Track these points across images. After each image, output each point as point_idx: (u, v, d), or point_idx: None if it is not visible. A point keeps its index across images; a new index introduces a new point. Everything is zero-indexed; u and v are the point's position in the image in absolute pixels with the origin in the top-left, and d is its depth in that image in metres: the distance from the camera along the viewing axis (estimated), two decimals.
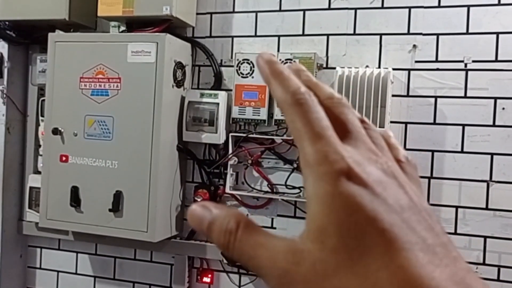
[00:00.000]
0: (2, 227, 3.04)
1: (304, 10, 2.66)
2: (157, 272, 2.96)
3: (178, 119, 2.68)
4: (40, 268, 3.22)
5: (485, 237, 2.43)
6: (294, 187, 2.63)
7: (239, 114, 2.62)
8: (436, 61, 2.48)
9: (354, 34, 2.59)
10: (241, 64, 2.62)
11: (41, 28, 2.88)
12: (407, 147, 2.50)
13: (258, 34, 2.73)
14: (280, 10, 2.69)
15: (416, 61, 2.50)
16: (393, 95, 2.46)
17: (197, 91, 2.71)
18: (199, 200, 2.69)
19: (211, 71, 2.78)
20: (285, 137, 2.58)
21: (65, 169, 2.65)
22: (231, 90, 2.67)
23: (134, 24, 2.72)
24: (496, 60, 2.40)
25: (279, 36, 2.70)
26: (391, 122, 2.45)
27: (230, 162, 2.66)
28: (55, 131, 2.64)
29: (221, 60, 2.79)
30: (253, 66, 2.60)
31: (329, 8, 2.62)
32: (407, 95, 2.51)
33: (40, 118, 3.00)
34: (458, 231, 2.46)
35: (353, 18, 2.59)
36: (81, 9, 2.80)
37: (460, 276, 0.29)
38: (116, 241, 2.70)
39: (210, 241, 0.33)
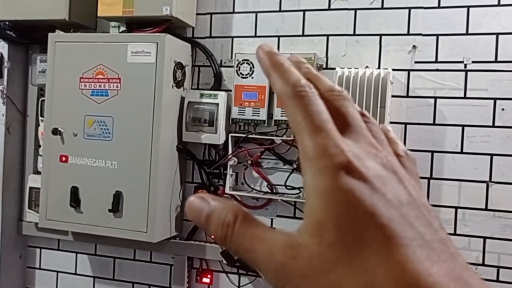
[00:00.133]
0: (1, 227, 3.04)
1: (304, 11, 2.66)
2: (156, 273, 2.96)
3: (178, 120, 2.68)
4: (39, 268, 3.22)
5: (485, 238, 2.43)
6: (293, 188, 2.63)
7: (238, 115, 2.62)
8: (436, 61, 2.48)
9: (354, 34, 2.59)
10: (241, 64, 2.62)
11: (41, 28, 2.88)
12: (406, 147, 2.49)
13: (258, 34, 2.73)
14: (280, 11, 2.70)
15: (416, 62, 2.50)
16: (392, 96, 2.46)
17: (197, 91, 2.71)
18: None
19: (211, 72, 2.78)
20: (284, 137, 2.58)
21: (65, 170, 2.65)
22: (230, 90, 2.67)
23: (134, 24, 2.72)
24: (496, 61, 2.40)
25: (279, 37, 2.70)
26: (391, 122, 2.45)
27: (230, 163, 2.66)
28: (55, 131, 2.64)
29: (221, 61, 2.79)
30: (253, 67, 2.59)
31: (329, 9, 2.63)
32: (407, 96, 2.51)
33: (40, 118, 3.00)
34: (457, 232, 2.46)
35: (353, 19, 2.59)
36: (81, 9, 2.80)
37: (457, 272, 0.28)
38: (115, 242, 2.70)
39: (207, 233, 0.33)
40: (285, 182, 2.64)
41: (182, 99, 2.69)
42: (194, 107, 2.67)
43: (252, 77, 2.59)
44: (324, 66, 2.61)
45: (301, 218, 2.51)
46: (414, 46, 2.51)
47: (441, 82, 2.47)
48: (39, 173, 2.94)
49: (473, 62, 2.43)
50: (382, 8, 2.55)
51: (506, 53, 2.39)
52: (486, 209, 2.43)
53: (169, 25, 2.66)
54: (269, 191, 2.69)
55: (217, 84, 2.77)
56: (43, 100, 2.83)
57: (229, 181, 2.66)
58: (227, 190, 2.66)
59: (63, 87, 2.66)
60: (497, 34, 2.40)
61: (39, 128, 3.02)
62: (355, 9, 2.59)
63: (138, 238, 2.55)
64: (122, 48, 2.55)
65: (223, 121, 2.63)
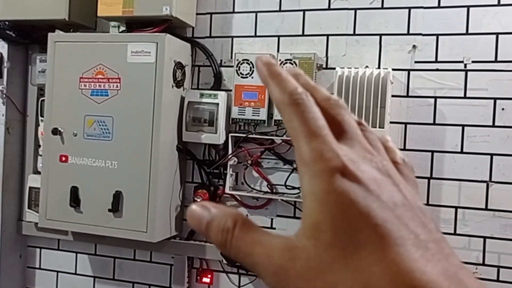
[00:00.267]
0: (1, 227, 3.04)
1: (304, 11, 2.66)
2: (156, 273, 2.96)
3: (178, 119, 2.68)
4: (39, 268, 3.23)
5: (485, 238, 2.43)
6: (293, 188, 2.63)
7: (238, 115, 2.62)
8: (436, 61, 2.48)
9: (354, 34, 2.59)
10: (241, 64, 2.62)
11: (41, 28, 2.88)
12: (406, 147, 2.50)
13: (258, 34, 2.74)
14: (280, 11, 2.70)
15: (416, 62, 2.50)
16: (392, 96, 2.46)
17: (196, 91, 2.71)
18: (198, 200, 2.69)
19: (211, 71, 2.78)
20: (284, 137, 2.58)
21: (64, 169, 2.65)
22: (230, 90, 2.67)
23: (134, 24, 2.72)
24: (496, 61, 2.41)
25: (279, 37, 2.70)
26: (391, 122, 2.45)
27: (230, 163, 2.66)
28: (55, 131, 2.64)
29: (221, 60, 2.79)
30: (253, 67, 2.60)
31: (329, 9, 2.63)
32: (407, 96, 2.51)
33: (40, 118, 3.00)
34: (457, 232, 2.46)
35: (353, 19, 2.59)
36: (81, 9, 2.80)
37: (452, 271, 0.29)
38: (115, 241, 2.70)
39: (209, 241, 0.35)
40: (285, 182, 2.64)
41: (182, 99, 2.69)
42: (194, 107, 2.67)
43: (252, 77, 2.59)
44: (324, 66, 2.61)
45: (301, 218, 2.53)
46: (414, 46, 2.51)
47: (441, 82, 2.47)
48: (39, 173, 2.95)
49: (473, 62, 2.43)
50: (382, 8, 2.55)
51: (506, 53, 2.39)
52: (486, 209, 2.43)
53: (169, 25, 2.66)
54: (269, 191, 2.69)
55: (217, 84, 2.77)
56: (43, 100, 2.84)
57: (229, 181, 2.66)
58: (227, 190, 2.66)
59: (63, 87, 2.66)
60: (497, 34, 2.40)
61: (39, 128, 3.02)
62: (355, 9, 2.59)
63: (138, 238, 2.56)
64: (122, 48, 2.55)
65: (223, 121, 2.63)
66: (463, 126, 2.45)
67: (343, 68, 2.47)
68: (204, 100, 2.66)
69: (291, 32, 2.68)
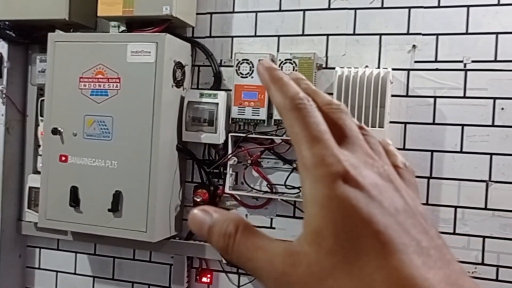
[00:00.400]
0: (1, 227, 3.04)
1: (304, 10, 2.66)
2: (156, 272, 2.96)
3: (178, 119, 2.68)
4: (39, 268, 3.23)
5: (484, 237, 2.43)
6: (293, 187, 2.63)
7: (238, 114, 2.62)
8: (436, 61, 2.48)
9: (354, 34, 2.59)
10: (241, 64, 2.62)
11: (40, 28, 2.88)
12: (406, 147, 2.50)
13: (258, 34, 2.73)
14: (280, 10, 2.70)
15: (416, 61, 2.50)
16: (392, 95, 2.46)
17: (196, 91, 2.71)
18: (198, 200, 2.69)
19: (211, 71, 2.78)
20: (284, 137, 2.58)
21: (64, 169, 2.65)
22: (230, 90, 2.67)
23: (134, 24, 2.72)
24: (496, 60, 2.41)
25: (278, 36, 2.70)
26: (391, 122, 2.46)
27: (230, 162, 2.66)
28: (55, 131, 2.64)
29: (221, 60, 2.79)
30: (253, 66, 2.60)
31: (329, 8, 2.63)
32: (407, 95, 2.51)
33: (40, 118, 3.00)
34: (457, 231, 2.46)
35: (352, 18, 2.59)
36: (81, 9, 2.80)
37: (454, 278, 0.29)
38: (115, 241, 2.70)
39: (210, 245, 0.35)
40: (285, 182, 2.64)
41: (182, 98, 2.69)
42: (194, 107, 2.67)
43: (252, 77, 2.59)
44: (324, 65, 2.61)
45: (300, 218, 2.52)
46: (413, 46, 2.51)
47: (440, 81, 2.47)
48: (38, 172, 2.94)
49: (472, 61, 2.43)
50: (382, 7, 2.55)
51: (505, 53, 2.39)
52: (485, 208, 2.43)
53: (169, 25, 2.66)
54: (268, 190, 2.69)
55: (217, 83, 2.77)
56: (43, 100, 2.84)
57: (229, 181, 2.66)
58: (226, 190, 2.66)
59: (63, 87, 2.66)
60: (497, 34, 2.40)
61: (38, 128, 3.02)
62: (355, 9, 2.59)
63: (137, 237, 2.56)
64: (122, 47, 2.55)
65: (223, 120, 2.63)
66: (462, 125, 2.45)
67: (342, 67, 2.47)
68: (204, 100, 2.66)
69: (291, 32, 2.68)
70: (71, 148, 2.64)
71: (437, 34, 2.48)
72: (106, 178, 2.58)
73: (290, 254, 0.31)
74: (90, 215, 2.62)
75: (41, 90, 3.00)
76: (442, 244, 0.31)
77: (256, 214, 2.73)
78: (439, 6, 2.47)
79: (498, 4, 2.40)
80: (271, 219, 2.72)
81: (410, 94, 2.51)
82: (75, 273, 3.13)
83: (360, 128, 0.36)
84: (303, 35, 2.66)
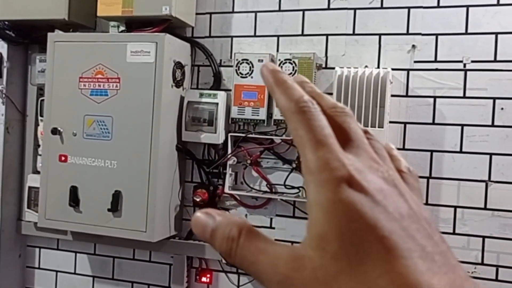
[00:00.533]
0: (1, 227, 3.04)
1: (303, 10, 2.66)
2: (155, 272, 2.96)
3: (177, 119, 2.68)
4: (39, 268, 3.22)
5: (484, 237, 2.44)
6: (293, 187, 2.63)
7: (238, 114, 2.62)
8: (435, 61, 2.48)
9: (353, 34, 2.59)
10: (240, 64, 2.62)
11: (40, 28, 2.88)
12: (406, 147, 2.50)
13: (257, 34, 2.73)
14: (279, 10, 2.70)
15: (415, 61, 2.50)
16: (392, 95, 2.46)
17: (196, 91, 2.71)
18: (198, 200, 2.69)
19: (211, 71, 2.78)
20: (284, 137, 2.58)
21: (64, 169, 2.65)
22: (230, 90, 2.67)
23: (134, 24, 2.72)
24: (495, 60, 2.41)
25: (278, 36, 2.70)
26: (390, 122, 2.46)
27: (229, 162, 2.66)
28: (54, 131, 2.64)
29: (221, 60, 2.79)
30: (252, 66, 2.60)
31: (328, 8, 2.63)
32: (406, 95, 2.51)
33: (39, 118, 3.00)
34: (456, 231, 2.46)
35: (352, 18, 2.59)
36: (80, 9, 2.80)
37: (458, 283, 0.29)
38: (114, 241, 2.70)
39: (213, 248, 0.34)
40: (285, 182, 2.64)
41: (182, 98, 2.69)
42: (194, 107, 2.67)
43: (252, 77, 2.59)
44: (324, 65, 2.61)
45: (300, 218, 2.52)
46: (413, 46, 2.51)
47: (440, 81, 2.47)
48: (38, 172, 2.94)
49: (472, 61, 2.43)
50: (382, 7, 2.55)
51: (505, 53, 2.39)
52: (485, 208, 2.43)
53: (169, 25, 2.66)
54: (268, 190, 2.69)
55: (217, 83, 2.77)
56: (43, 100, 2.84)
57: (229, 181, 2.66)
58: (226, 190, 2.66)
59: (63, 87, 2.66)
60: (496, 34, 2.40)
61: (38, 127, 3.02)
62: (355, 9, 2.59)
63: (137, 237, 2.56)
64: (122, 47, 2.55)
65: (222, 120, 2.63)
66: (462, 125, 2.45)
67: (342, 67, 2.47)
68: (203, 99, 2.66)
69: (290, 32, 2.68)
70: (71, 148, 2.64)
71: (437, 34, 2.48)
72: (105, 178, 2.58)
73: (294, 258, 0.31)
74: (90, 215, 2.62)
75: (41, 90, 3.00)
76: (447, 249, 0.31)
77: (256, 214, 2.73)
78: (438, 6, 2.47)
79: (498, 4, 2.40)
80: (271, 219, 2.72)
81: (409, 94, 2.51)
82: (75, 273, 3.13)
83: (365, 132, 0.36)
84: (302, 35, 2.66)
